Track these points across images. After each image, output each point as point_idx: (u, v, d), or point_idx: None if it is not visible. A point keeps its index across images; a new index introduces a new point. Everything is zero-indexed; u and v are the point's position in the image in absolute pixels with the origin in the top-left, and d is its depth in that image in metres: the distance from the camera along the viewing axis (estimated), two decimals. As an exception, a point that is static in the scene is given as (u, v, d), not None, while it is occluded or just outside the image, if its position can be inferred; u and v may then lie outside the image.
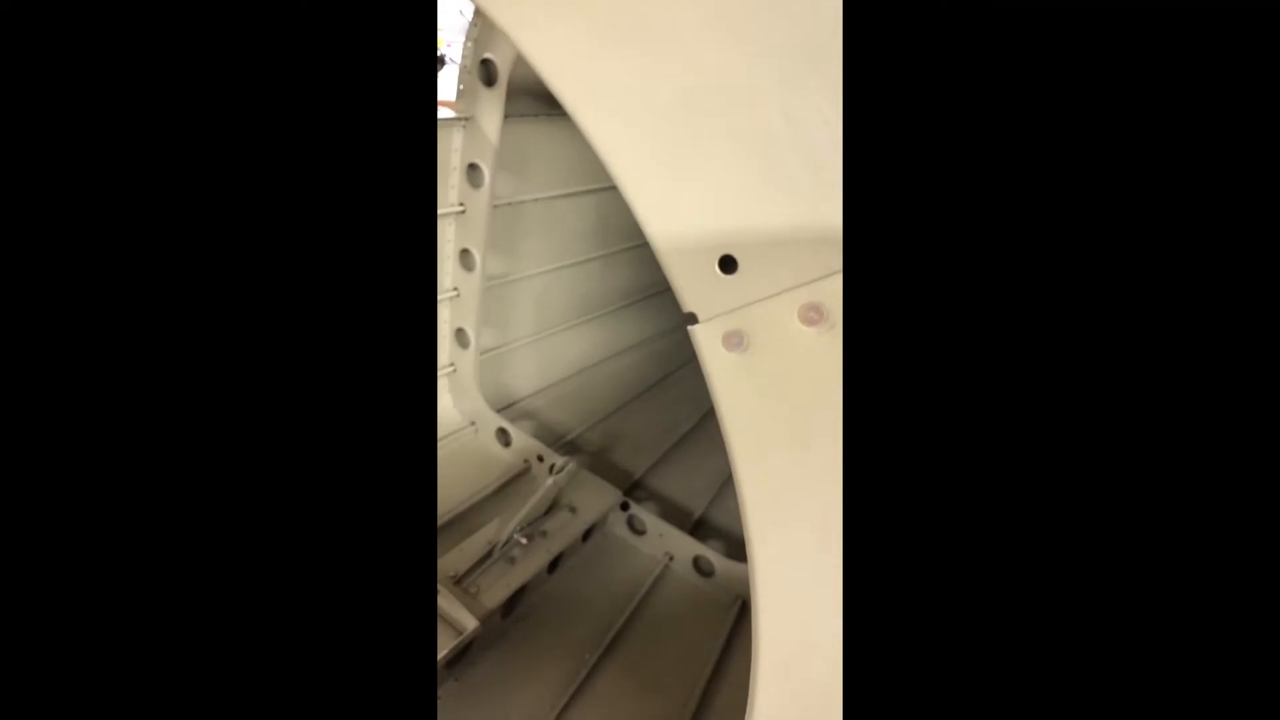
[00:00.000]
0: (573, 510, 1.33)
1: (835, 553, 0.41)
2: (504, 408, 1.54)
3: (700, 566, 1.32)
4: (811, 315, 0.33)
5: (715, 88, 0.31)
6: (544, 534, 1.27)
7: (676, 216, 0.35)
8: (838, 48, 0.31)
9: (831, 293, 0.33)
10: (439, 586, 1.12)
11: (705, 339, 0.37)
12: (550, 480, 1.29)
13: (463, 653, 1.12)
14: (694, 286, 0.36)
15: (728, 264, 0.35)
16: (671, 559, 1.36)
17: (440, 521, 1.31)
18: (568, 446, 1.55)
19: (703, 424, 1.83)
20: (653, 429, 1.68)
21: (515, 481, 1.44)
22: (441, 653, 1.04)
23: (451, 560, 1.19)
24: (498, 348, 1.52)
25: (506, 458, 1.47)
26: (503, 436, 1.47)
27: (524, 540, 1.23)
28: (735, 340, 0.36)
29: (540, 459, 1.44)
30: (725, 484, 1.75)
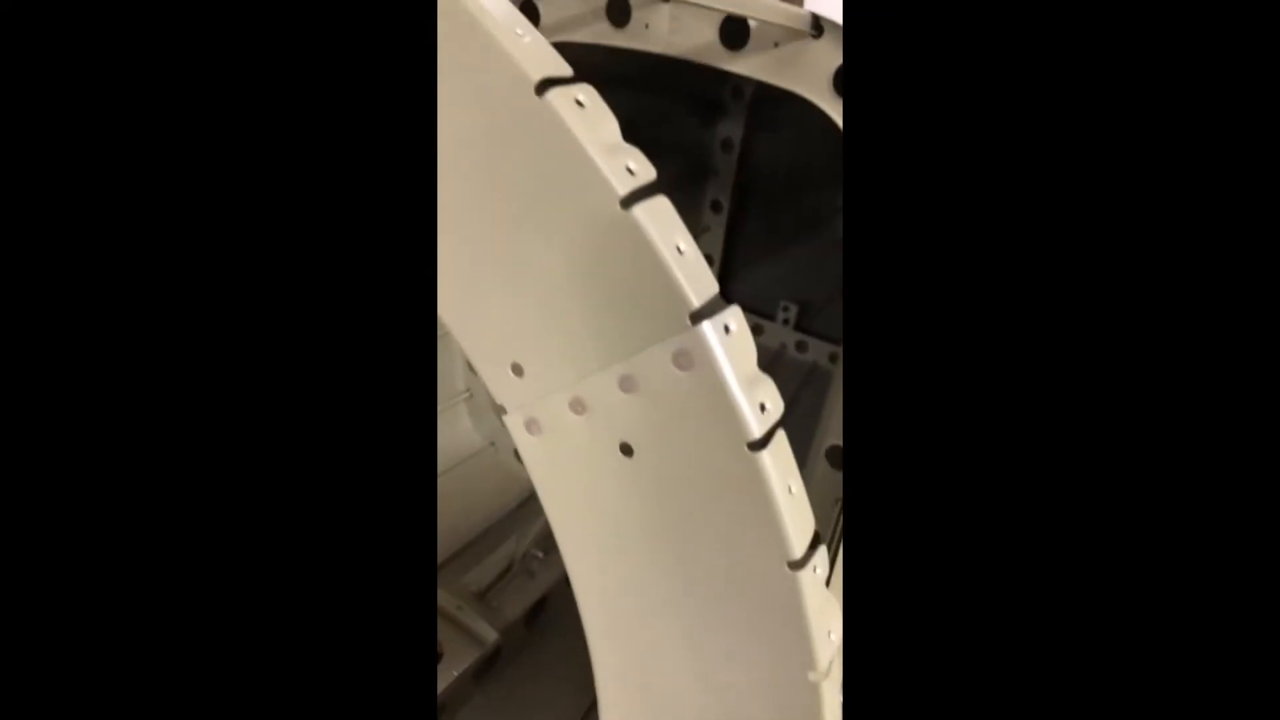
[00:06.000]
0: (588, 521, 1.39)
1: (652, 603, 0.49)
2: (521, 426, 1.61)
3: (712, 568, 1.37)
4: (577, 407, 0.41)
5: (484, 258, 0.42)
6: (560, 546, 1.33)
7: (476, 337, 0.45)
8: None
9: (589, 390, 0.40)
10: (462, 603, 1.21)
11: (512, 424, 0.46)
12: (562, 495, 1.36)
13: (489, 665, 1.20)
14: (497, 386, 0.44)
15: (516, 369, 0.43)
16: (687, 562, 1.41)
17: (466, 540, 1.40)
18: (586, 458, 1.61)
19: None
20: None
21: (535, 497, 1.51)
22: (464, 665, 1.13)
23: (474, 577, 1.27)
24: (511, 369, 1.59)
25: (525, 474, 1.54)
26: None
27: (540, 554, 1.30)
28: (533, 426, 0.43)
29: (557, 473, 1.51)
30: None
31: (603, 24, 1.14)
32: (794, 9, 1.02)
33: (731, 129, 1.80)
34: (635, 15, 1.10)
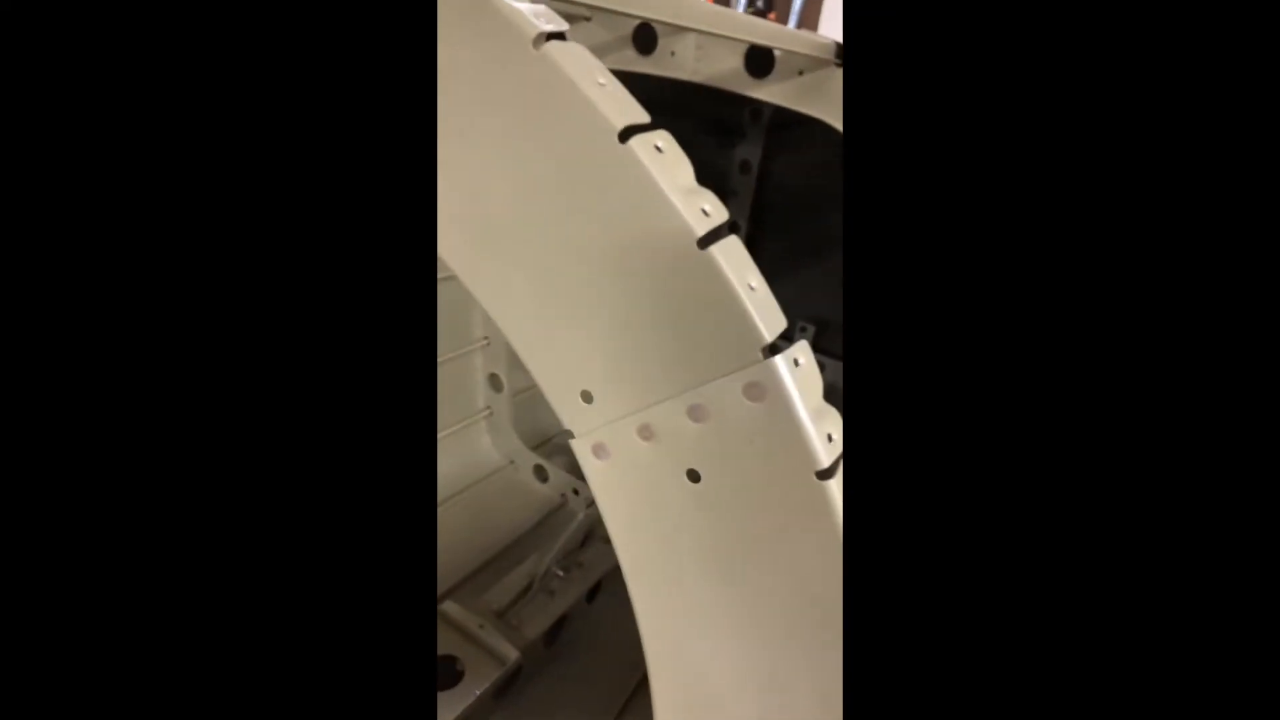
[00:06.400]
0: (608, 540, 1.39)
1: (714, 627, 0.51)
2: (539, 445, 1.62)
3: (732, 587, 1.38)
4: (645, 433, 0.44)
5: (562, 293, 0.45)
6: (580, 565, 1.34)
7: (549, 366, 0.47)
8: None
9: (658, 417, 0.43)
10: (483, 622, 1.21)
11: (580, 449, 0.48)
12: (583, 514, 1.37)
13: (510, 683, 1.20)
14: (567, 412, 0.47)
15: (586, 396, 0.46)
16: (706, 580, 1.41)
17: (486, 558, 1.40)
18: (603, 476, 1.62)
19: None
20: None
21: (554, 515, 1.52)
22: (485, 685, 1.13)
23: (494, 596, 1.27)
24: (530, 388, 1.60)
25: (544, 492, 1.55)
26: (540, 473, 1.56)
27: (561, 573, 1.31)
28: (600, 451, 0.46)
29: (576, 492, 1.52)
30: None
31: (629, 51, 1.16)
32: (818, 38, 1.04)
33: (749, 151, 1.83)
34: (661, 43, 1.12)
